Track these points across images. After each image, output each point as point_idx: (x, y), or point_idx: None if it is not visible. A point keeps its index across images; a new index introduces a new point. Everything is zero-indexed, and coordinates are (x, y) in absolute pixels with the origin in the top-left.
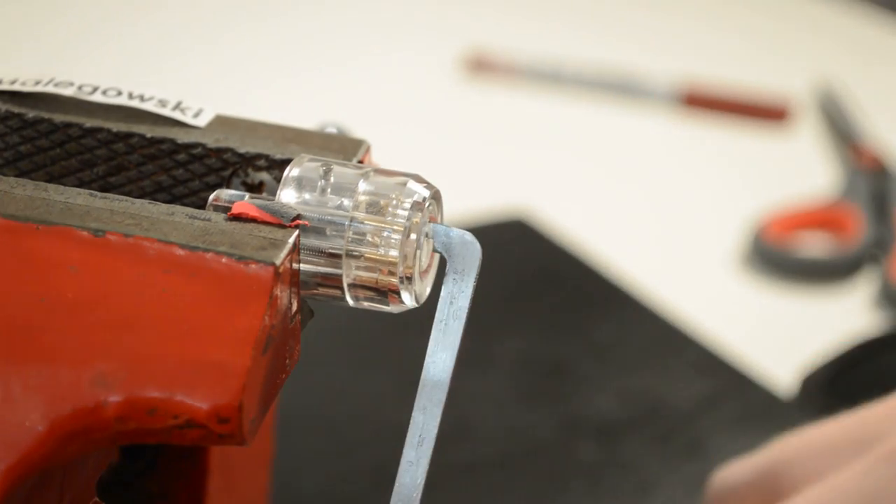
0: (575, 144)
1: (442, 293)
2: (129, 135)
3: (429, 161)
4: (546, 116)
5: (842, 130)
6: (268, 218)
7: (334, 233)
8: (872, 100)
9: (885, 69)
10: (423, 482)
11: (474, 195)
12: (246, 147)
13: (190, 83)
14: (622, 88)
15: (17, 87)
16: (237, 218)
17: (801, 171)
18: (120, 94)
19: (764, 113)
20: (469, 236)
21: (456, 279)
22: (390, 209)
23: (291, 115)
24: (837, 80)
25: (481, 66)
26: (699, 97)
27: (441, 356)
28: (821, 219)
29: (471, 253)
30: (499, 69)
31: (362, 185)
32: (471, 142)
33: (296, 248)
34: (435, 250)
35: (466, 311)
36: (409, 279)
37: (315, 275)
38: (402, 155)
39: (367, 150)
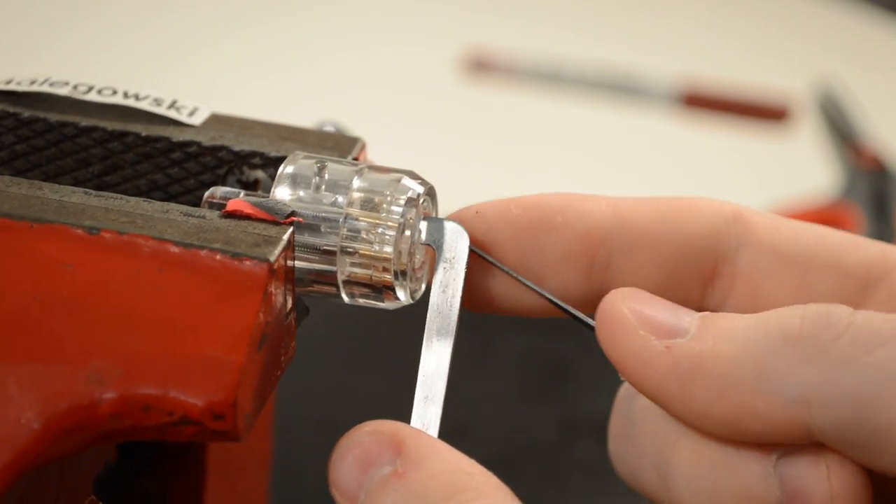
0: (575, 144)
1: (434, 282)
2: (125, 133)
3: (428, 161)
4: (546, 116)
5: (842, 130)
6: (262, 215)
7: (329, 229)
8: (872, 100)
9: (885, 69)
10: None
11: (474, 195)
12: (241, 145)
13: (187, 82)
14: (622, 88)
15: (12, 87)
16: (231, 215)
17: (801, 171)
18: (115, 93)
19: (764, 113)
20: (455, 224)
21: (446, 268)
22: (385, 206)
23: (290, 115)
24: (837, 80)
25: (481, 66)
26: (699, 97)
27: (438, 345)
28: (821, 219)
29: (458, 241)
30: (498, 69)
31: (356, 182)
32: (470, 141)
33: (290, 245)
34: (424, 243)
35: (460, 297)
36: (404, 275)
37: (310, 271)
38: (401, 155)
39: (363, 147)
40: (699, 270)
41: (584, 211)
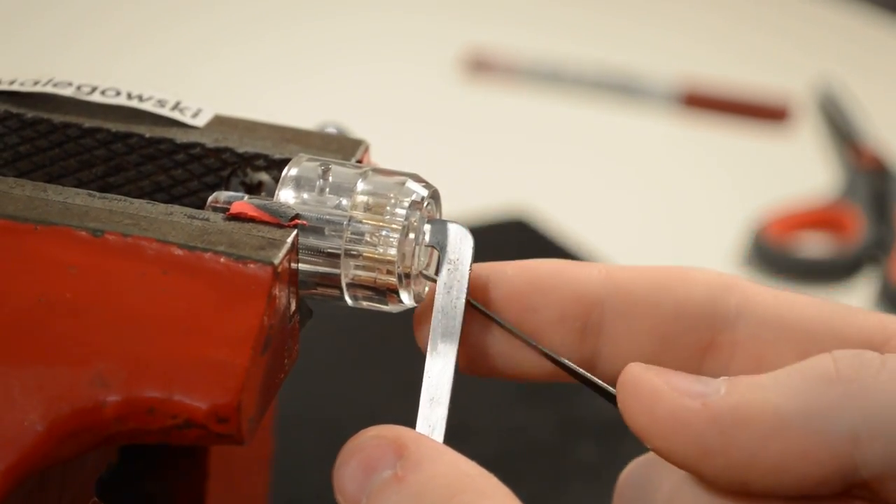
0: (575, 144)
1: (438, 284)
2: (128, 135)
3: (429, 161)
4: (546, 116)
5: (842, 130)
6: (266, 217)
7: (333, 232)
8: (872, 100)
9: (885, 69)
10: None
11: (474, 195)
12: (244, 147)
13: (189, 83)
14: (622, 88)
15: (16, 88)
16: (235, 218)
17: (801, 171)
18: (119, 94)
19: (764, 113)
20: (459, 226)
21: (451, 269)
22: (388, 208)
23: (291, 116)
24: (837, 80)
25: (481, 67)
26: (699, 97)
27: (443, 346)
28: (821, 219)
29: (462, 242)
30: (498, 69)
31: (360, 185)
32: (471, 142)
33: (294, 248)
34: (428, 245)
35: (464, 299)
36: (408, 278)
37: (313, 274)
38: (402, 155)
39: (366, 150)
40: (696, 340)
41: (577, 276)
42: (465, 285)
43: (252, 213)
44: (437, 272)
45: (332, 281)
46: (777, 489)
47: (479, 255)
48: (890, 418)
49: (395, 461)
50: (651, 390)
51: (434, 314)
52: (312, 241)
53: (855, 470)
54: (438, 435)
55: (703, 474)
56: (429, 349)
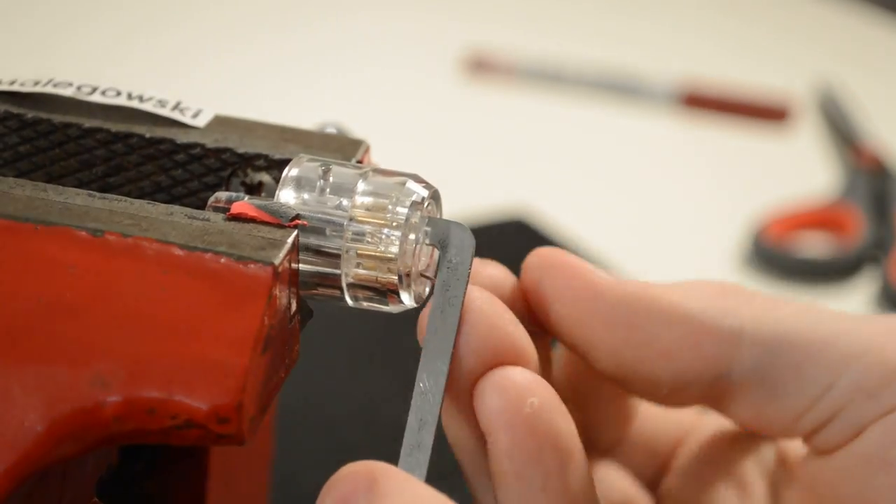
0: (575, 144)
1: (436, 282)
2: (129, 135)
3: (429, 161)
4: (546, 117)
5: (842, 130)
6: (266, 218)
7: (333, 232)
8: (872, 100)
9: (885, 69)
10: (425, 469)
11: (474, 195)
12: (245, 147)
13: (189, 83)
14: (622, 88)
15: (16, 88)
16: (236, 218)
17: (801, 171)
18: (119, 94)
19: (764, 113)
20: (460, 226)
21: (450, 268)
22: (389, 209)
23: (291, 116)
24: (837, 80)
25: (481, 67)
26: (699, 97)
27: (438, 344)
28: (821, 219)
29: (464, 242)
30: (499, 70)
31: (361, 185)
32: (471, 142)
33: (295, 248)
34: (429, 243)
35: (462, 298)
36: (408, 278)
37: (314, 274)
38: (402, 155)
39: (367, 150)
40: None
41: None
42: (464, 284)
43: (252, 213)
44: (437, 272)
45: (333, 281)
46: (658, 377)
47: (479, 255)
48: (769, 322)
49: (366, 495)
50: (570, 264)
51: (431, 312)
52: (313, 241)
53: (728, 373)
54: (424, 452)
55: (595, 351)
56: (424, 342)
